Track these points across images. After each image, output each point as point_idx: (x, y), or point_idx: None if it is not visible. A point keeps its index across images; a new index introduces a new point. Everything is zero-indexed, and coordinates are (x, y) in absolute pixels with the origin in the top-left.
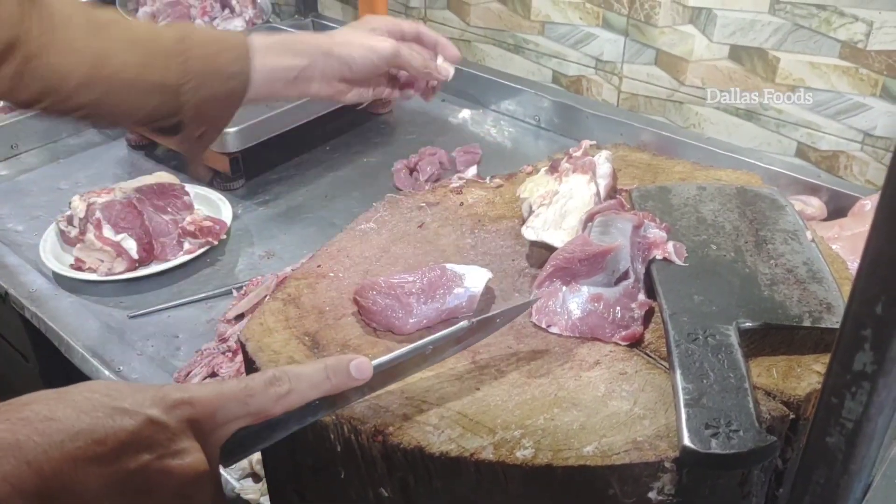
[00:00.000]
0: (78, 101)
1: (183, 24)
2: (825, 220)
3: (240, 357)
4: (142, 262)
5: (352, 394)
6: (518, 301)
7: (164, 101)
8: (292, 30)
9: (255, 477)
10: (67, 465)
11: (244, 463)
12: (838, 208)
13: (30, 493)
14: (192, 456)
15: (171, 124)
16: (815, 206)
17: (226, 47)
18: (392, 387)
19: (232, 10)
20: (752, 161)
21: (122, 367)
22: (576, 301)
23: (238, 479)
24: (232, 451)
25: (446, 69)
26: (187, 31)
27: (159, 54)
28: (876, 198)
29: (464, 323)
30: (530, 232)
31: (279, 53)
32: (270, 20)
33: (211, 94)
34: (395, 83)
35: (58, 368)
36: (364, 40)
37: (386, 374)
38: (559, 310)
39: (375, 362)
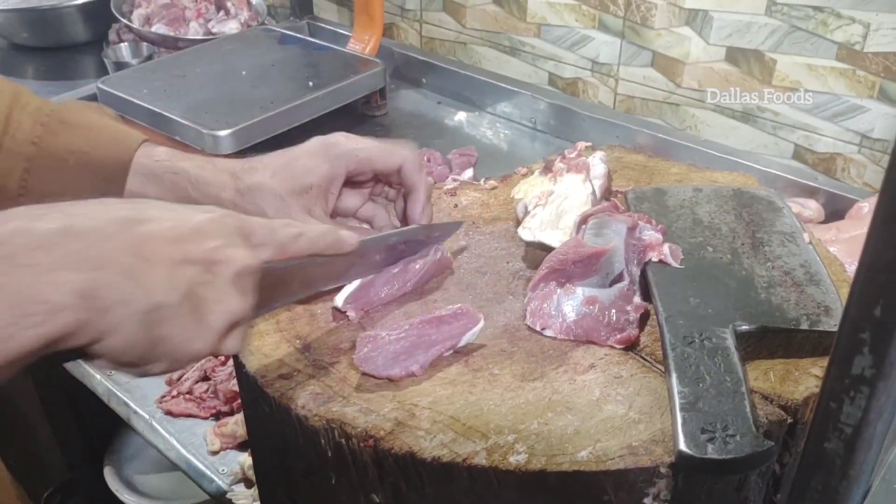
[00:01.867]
0: None
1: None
2: (822, 222)
3: (232, 361)
4: None
5: (338, 270)
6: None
7: None
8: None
9: (247, 482)
10: (149, 245)
11: (236, 468)
12: (836, 211)
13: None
14: (247, 249)
15: None
16: (812, 208)
17: (92, 159)
18: (384, 391)
19: (227, 13)
20: (749, 163)
21: (112, 372)
22: (570, 304)
23: (230, 485)
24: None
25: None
26: (52, 128)
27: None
28: (873, 200)
29: (416, 227)
30: (527, 233)
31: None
32: (266, 22)
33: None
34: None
35: (48, 373)
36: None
37: (364, 254)
38: (554, 312)
39: (362, 238)
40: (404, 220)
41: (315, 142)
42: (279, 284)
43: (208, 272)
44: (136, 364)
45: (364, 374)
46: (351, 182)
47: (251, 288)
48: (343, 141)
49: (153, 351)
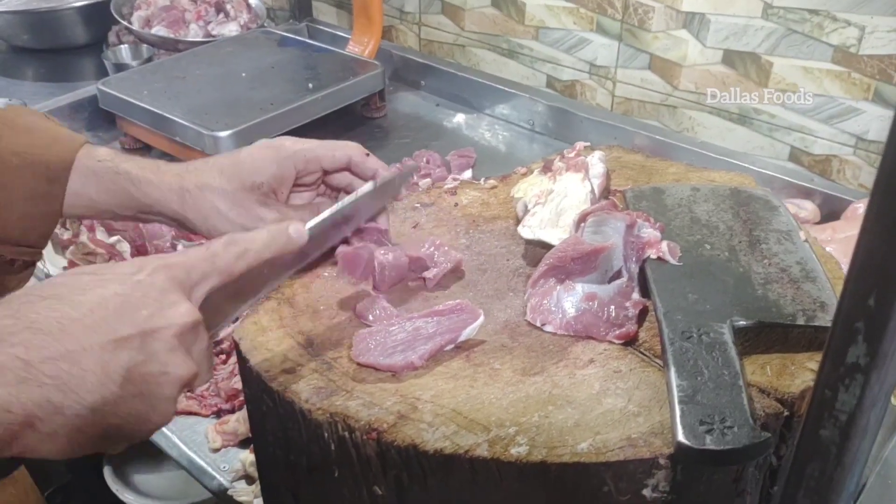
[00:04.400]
0: None
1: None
2: (818, 223)
3: (233, 360)
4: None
5: (294, 258)
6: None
7: None
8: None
9: (249, 479)
10: (73, 343)
11: (237, 465)
12: (831, 212)
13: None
14: (184, 305)
15: None
16: (808, 209)
17: (31, 162)
18: (386, 385)
19: (226, 15)
20: (746, 165)
21: None
22: (570, 300)
23: (231, 482)
24: (210, 316)
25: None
26: None
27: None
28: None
29: (369, 185)
30: (527, 231)
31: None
32: (265, 24)
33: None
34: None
35: None
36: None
37: (319, 238)
38: (553, 308)
39: (308, 225)
40: None
41: (261, 143)
42: (231, 299)
43: (145, 348)
44: (90, 452)
45: (366, 366)
46: (298, 183)
47: (197, 337)
48: (289, 143)
49: (106, 440)
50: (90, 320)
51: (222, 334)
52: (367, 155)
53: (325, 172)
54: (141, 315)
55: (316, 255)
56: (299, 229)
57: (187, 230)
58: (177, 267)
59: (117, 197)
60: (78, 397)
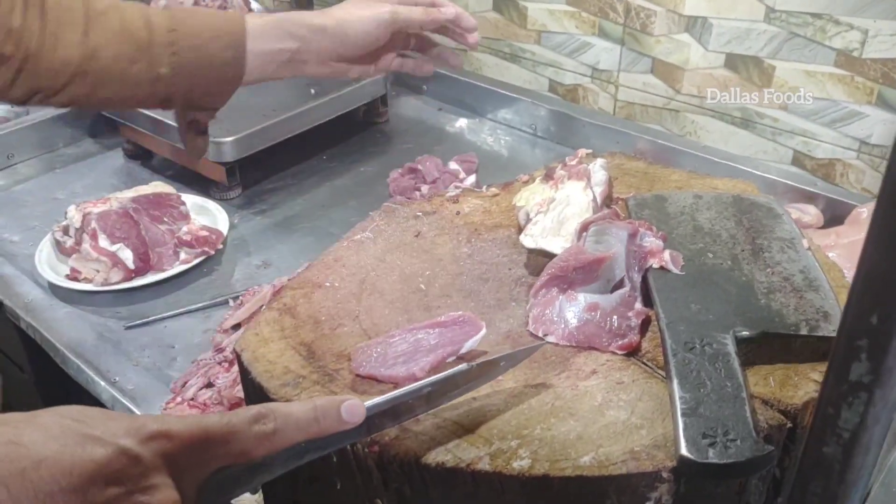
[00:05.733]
0: (68, 94)
1: (177, 10)
2: (822, 227)
3: (236, 367)
4: (138, 273)
5: (343, 437)
6: (525, 346)
7: (155, 92)
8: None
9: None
10: (27, 495)
11: None
12: (835, 216)
13: None
14: (163, 493)
15: (164, 108)
16: (811, 213)
17: (218, 34)
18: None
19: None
20: (749, 169)
21: (117, 378)
22: (572, 310)
23: None
24: (208, 495)
25: (468, 20)
26: (179, 18)
27: (151, 46)
28: (872, 206)
29: (463, 366)
30: (529, 240)
31: (273, 36)
32: None
33: (203, 83)
34: (406, 49)
35: (53, 379)
36: (361, 11)
37: (382, 416)
38: (556, 319)
39: (368, 404)
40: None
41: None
42: (239, 478)
43: None
44: None
45: (367, 378)
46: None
47: None
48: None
49: None
50: (48, 474)
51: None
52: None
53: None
54: (107, 492)
55: (385, 429)
56: (354, 410)
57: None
58: (180, 439)
59: (280, 40)
60: None
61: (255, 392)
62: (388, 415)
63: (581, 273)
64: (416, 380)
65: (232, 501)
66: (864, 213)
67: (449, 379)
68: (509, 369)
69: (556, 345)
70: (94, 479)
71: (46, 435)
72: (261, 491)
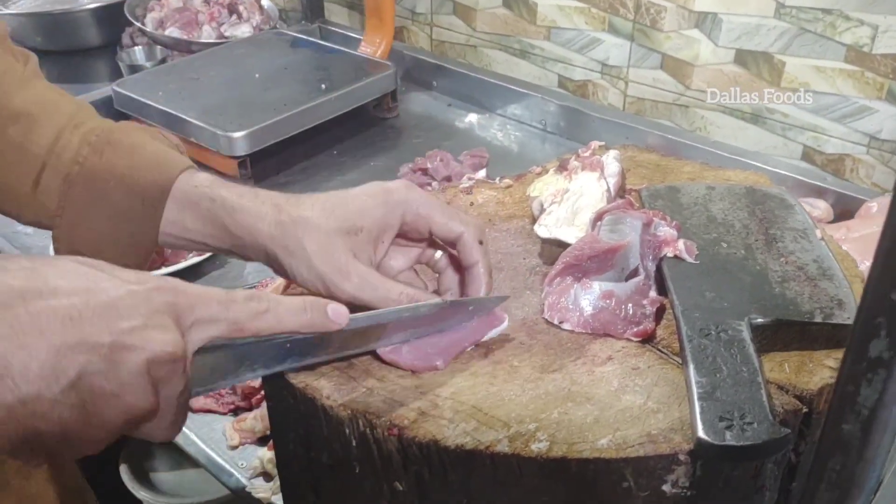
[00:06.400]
0: None
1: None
2: (831, 222)
3: None
4: (151, 265)
5: (320, 349)
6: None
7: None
8: None
9: (267, 476)
10: (47, 318)
11: (255, 462)
12: (845, 211)
13: None
14: (171, 333)
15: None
16: (821, 208)
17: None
18: (406, 382)
19: (239, 16)
20: (759, 164)
21: None
22: (587, 298)
23: (249, 479)
24: (193, 374)
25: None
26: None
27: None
28: (882, 200)
29: (438, 300)
30: (543, 230)
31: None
32: (277, 26)
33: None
34: None
35: None
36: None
37: (359, 334)
38: (571, 307)
39: (352, 316)
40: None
41: (374, 185)
42: (233, 362)
43: (107, 360)
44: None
45: (387, 364)
46: (402, 237)
47: (173, 376)
48: (404, 189)
49: (24, 447)
50: (63, 310)
51: None
52: (480, 243)
53: (431, 237)
54: (119, 325)
55: (355, 352)
56: (340, 311)
57: (276, 270)
58: (183, 295)
59: (211, 226)
60: (12, 383)
61: (273, 376)
62: (367, 334)
63: (596, 262)
64: (437, 370)
65: (248, 491)
66: (875, 207)
67: (422, 308)
68: (477, 315)
69: (572, 332)
70: (107, 312)
71: (62, 270)
72: (277, 478)
